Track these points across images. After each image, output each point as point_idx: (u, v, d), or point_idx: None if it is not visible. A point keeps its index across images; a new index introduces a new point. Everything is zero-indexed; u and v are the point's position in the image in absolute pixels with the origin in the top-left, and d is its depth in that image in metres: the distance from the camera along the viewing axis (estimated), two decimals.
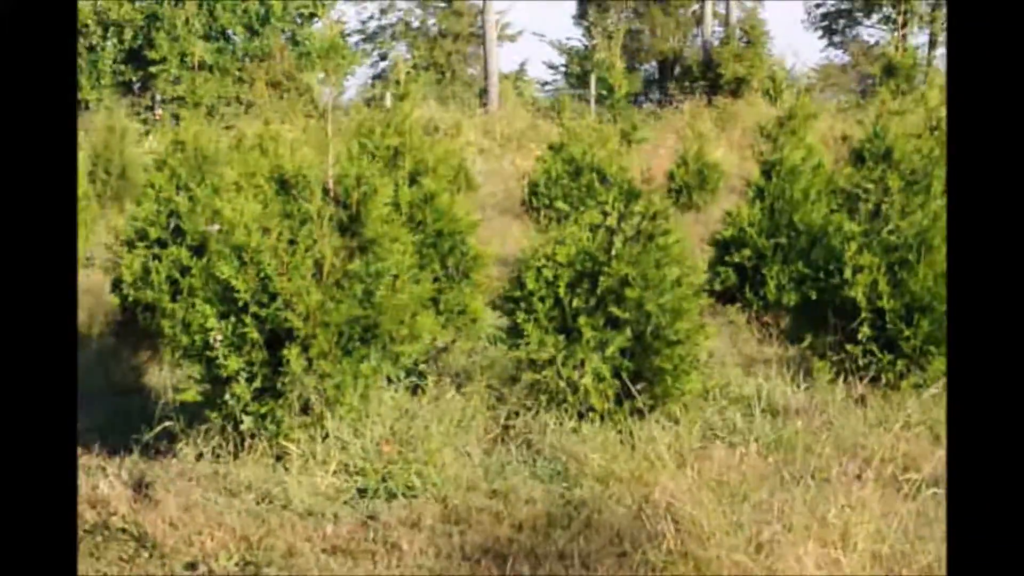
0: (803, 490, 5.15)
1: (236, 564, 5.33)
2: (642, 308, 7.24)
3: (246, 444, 6.56)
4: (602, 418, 7.02)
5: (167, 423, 6.71)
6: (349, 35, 39.52)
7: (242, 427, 6.57)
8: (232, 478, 6.20)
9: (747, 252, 10.85)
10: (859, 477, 5.31)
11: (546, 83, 43.23)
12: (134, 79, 33.21)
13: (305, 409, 6.63)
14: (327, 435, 6.53)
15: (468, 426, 6.90)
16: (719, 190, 18.47)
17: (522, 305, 7.45)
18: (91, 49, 32.53)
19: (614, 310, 7.27)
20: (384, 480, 6.22)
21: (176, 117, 25.02)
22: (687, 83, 36.75)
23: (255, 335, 6.65)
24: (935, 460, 5.62)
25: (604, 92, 9.49)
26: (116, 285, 9.79)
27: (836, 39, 43.02)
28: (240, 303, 6.70)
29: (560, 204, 7.96)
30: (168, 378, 8.21)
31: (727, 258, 10.95)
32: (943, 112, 9.33)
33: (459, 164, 16.26)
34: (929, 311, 8.03)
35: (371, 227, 7.29)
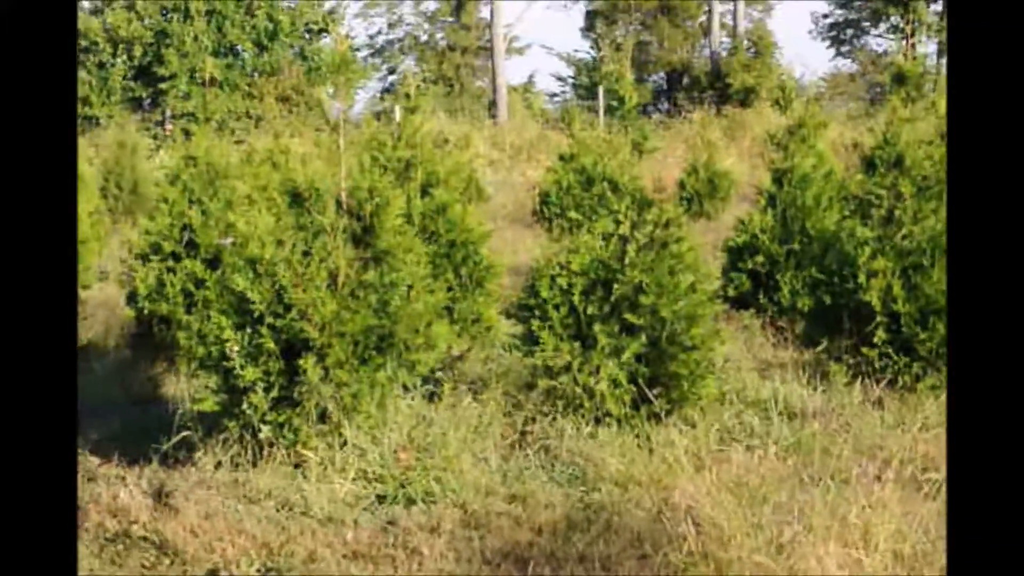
0: (823, 491, 5.15)
1: (257, 570, 5.35)
2: (657, 314, 7.26)
3: (264, 452, 6.58)
4: (619, 423, 7.03)
5: (185, 433, 6.74)
6: (357, 49, 39.64)
7: (260, 436, 6.59)
8: (251, 486, 6.23)
9: (760, 258, 10.86)
10: (879, 478, 5.31)
11: (554, 95, 43.38)
12: (144, 95, 33.32)
13: (323, 417, 6.66)
14: (345, 443, 6.56)
15: (485, 432, 6.91)
16: (729, 198, 18.50)
17: (537, 313, 7.48)
18: (101, 66, 32.68)
19: (629, 317, 7.29)
20: (403, 486, 6.24)
21: (186, 132, 25.15)
22: (695, 93, 36.84)
23: (271, 345, 6.68)
24: None
25: (614, 103, 9.52)
26: (131, 298, 9.83)
27: (844, 48, 43.08)
28: (256, 314, 6.73)
29: (572, 214, 7.99)
30: (185, 389, 8.23)
31: (740, 264, 10.97)
32: None
33: (469, 176, 16.33)
34: (944, 314, 8.04)
35: (384, 238, 7.33)
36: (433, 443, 6.60)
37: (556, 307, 7.41)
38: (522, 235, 15.93)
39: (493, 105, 36.63)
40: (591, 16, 41.46)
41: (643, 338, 7.24)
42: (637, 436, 6.86)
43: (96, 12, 33.25)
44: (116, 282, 11.75)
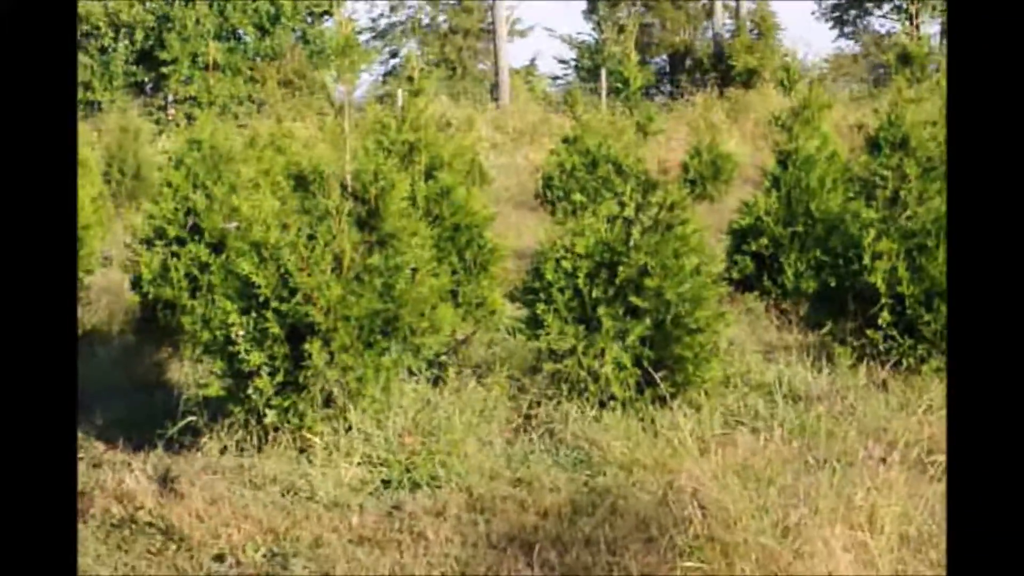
0: (828, 474, 5.14)
1: (263, 555, 5.35)
2: (661, 297, 7.26)
3: (270, 437, 6.59)
4: (623, 406, 7.03)
5: (190, 418, 6.74)
6: (359, 33, 39.54)
7: (265, 420, 6.60)
8: (257, 471, 6.23)
9: (764, 241, 10.84)
10: (884, 460, 5.31)
11: (557, 78, 43.28)
12: (146, 80, 33.29)
13: (328, 402, 6.66)
14: (350, 427, 6.56)
15: (490, 416, 6.92)
16: (733, 180, 18.49)
17: (541, 296, 7.47)
18: (103, 51, 32.64)
19: (633, 299, 7.28)
20: (408, 471, 6.25)
21: (189, 117, 25.13)
22: (698, 75, 36.74)
23: (276, 330, 6.68)
24: None
25: (618, 85, 9.49)
26: (135, 283, 9.82)
27: (847, 29, 42.96)
28: (261, 298, 6.73)
29: (577, 196, 7.97)
30: (190, 374, 8.24)
31: (744, 247, 10.95)
32: None
33: (472, 159, 16.31)
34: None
35: (389, 221, 7.33)
36: (438, 427, 6.61)
37: (561, 290, 7.40)
38: (525, 218, 15.92)
39: (495, 88, 36.56)
40: None
41: (648, 321, 7.24)
42: (642, 419, 6.86)
43: None
44: (120, 267, 11.75)
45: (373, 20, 43.55)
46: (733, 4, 39.45)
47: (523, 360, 7.68)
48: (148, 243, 9.77)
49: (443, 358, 7.82)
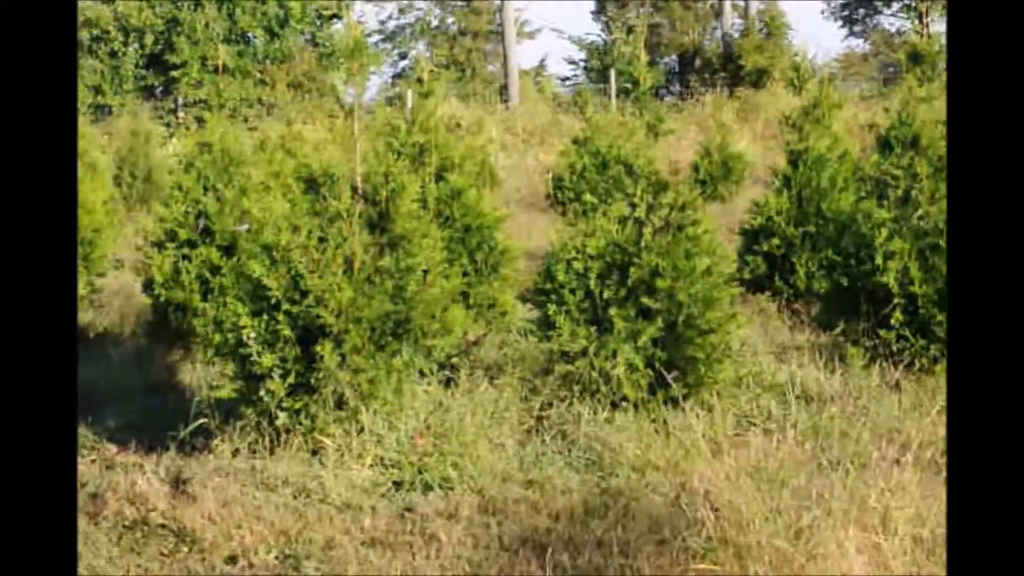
0: (842, 475, 5.13)
1: (276, 557, 5.35)
2: (673, 298, 7.24)
3: (281, 439, 6.59)
4: (636, 407, 7.02)
5: (202, 420, 6.75)
6: (368, 35, 39.57)
7: (277, 423, 6.60)
8: (269, 473, 6.23)
9: (776, 241, 10.82)
10: (898, 462, 5.30)
11: (566, 79, 43.22)
12: (156, 83, 33.36)
13: (339, 404, 6.65)
14: (362, 429, 6.56)
15: (502, 418, 6.91)
16: (743, 180, 18.46)
17: (553, 297, 7.47)
18: (113, 55, 32.72)
19: (645, 300, 7.27)
20: (420, 472, 6.24)
21: (199, 120, 25.16)
22: (707, 75, 36.68)
23: (288, 332, 6.68)
24: None
25: (628, 86, 9.50)
26: (147, 285, 9.83)
27: (856, 28, 42.86)
28: (272, 301, 6.73)
29: (588, 197, 7.96)
30: (201, 376, 8.25)
31: (756, 247, 10.93)
32: None
33: (482, 160, 16.30)
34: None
35: (400, 223, 7.32)
36: (450, 429, 6.60)
37: (572, 291, 7.40)
38: (536, 219, 15.90)
39: (505, 89, 36.55)
40: None
41: (659, 322, 7.23)
42: (654, 421, 6.84)
43: (107, 0, 33.25)
44: (131, 270, 11.76)
45: (382, 22, 43.57)
46: (742, 4, 39.37)
47: (535, 361, 7.67)
48: (159, 246, 9.77)
49: (455, 360, 7.81)
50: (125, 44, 32.79)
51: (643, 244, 7.40)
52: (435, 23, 42.72)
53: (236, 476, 6.23)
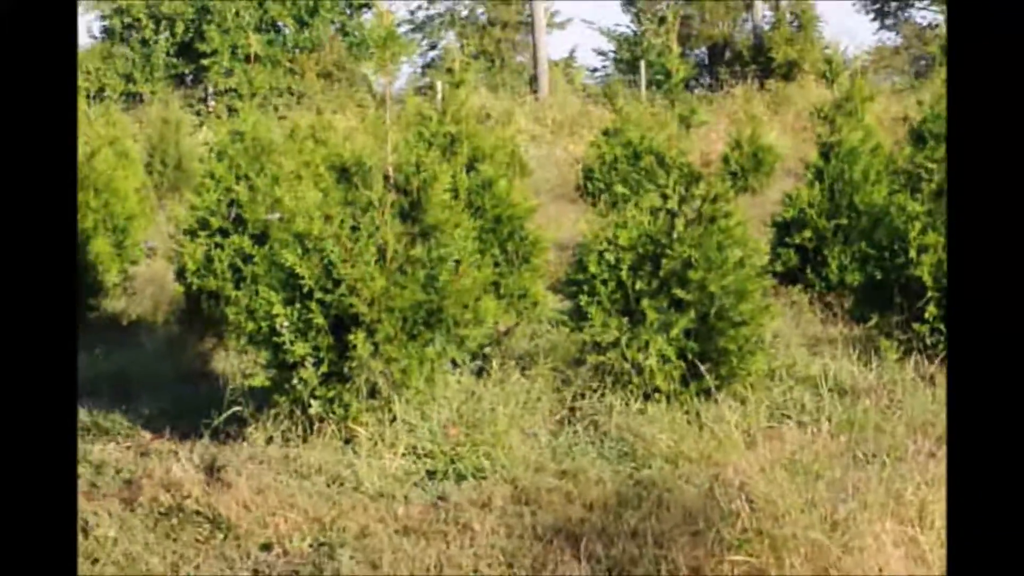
0: (877, 468, 5.12)
1: (310, 545, 5.37)
2: (705, 290, 7.23)
3: (315, 428, 6.61)
4: (668, 399, 7.01)
5: (236, 408, 6.77)
6: (398, 25, 39.54)
7: (310, 411, 6.62)
8: (302, 461, 6.25)
9: (808, 233, 10.77)
10: (933, 455, 5.28)
11: (595, 70, 43.11)
12: (186, 72, 33.48)
13: (372, 393, 6.67)
14: (395, 418, 6.57)
15: (534, 408, 6.91)
16: (774, 173, 18.41)
17: (585, 288, 7.46)
18: (144, 43, 32.83)
19: (677, 292, 7.26)
20: (453, 462, 6.25)
21: (229, 109, 25.23)
22: (738, 67, 36.55)
23: (320, 321, 6.70)
24: None
25: (659, 77, 9.46)
26: (179, 274, 9.87)
27: (888, 21, 42.60)
28: (304, 289, 6.75)
29: (619, 188, 7.94)
30: (235, 364, 8.29)
31: (788, 239, 10.89)
32: None
33: (512, 151, 16.30)
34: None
35: (432, 213, 7.32)
36: (482, 419, 6.61)
37: (604, 282, 7.38)
38: (565, 210, 15.89)
39: (534, 80, 36.49)
40: None
41: (692, 313, 7.21)
42: (687, 412, 6.83)
43: None
44: (164, 258, 11.82)
45: (411, 12, 43.56)
46: None
47: (567, 352, 7.67)
48: (192, 234, 9.81)
49: (487, 350, 7.82)
50: (156, 32, 32.90)
51: (675, 235, 7.38)
52: (464, 13, 42.70)
53: (270, 464, 6.26)
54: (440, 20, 42.63)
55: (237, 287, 9.18)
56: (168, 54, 33.04)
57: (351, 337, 6.60)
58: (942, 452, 5.09)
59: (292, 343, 6.67)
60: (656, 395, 7.06)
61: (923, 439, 5.68)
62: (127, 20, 32.58)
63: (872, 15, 42.77)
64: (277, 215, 9.20)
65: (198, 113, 29.84)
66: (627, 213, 7.57)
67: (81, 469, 6.34)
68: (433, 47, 42.32)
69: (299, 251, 6.81)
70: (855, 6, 43.90)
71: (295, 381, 6.64)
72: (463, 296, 7.07)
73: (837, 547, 4.56)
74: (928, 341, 8.01)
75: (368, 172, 7.12)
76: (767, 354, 7.44)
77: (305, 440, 6.54)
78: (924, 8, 41.64)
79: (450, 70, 10.20)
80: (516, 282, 9.40)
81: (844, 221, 10.71)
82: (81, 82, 26.75)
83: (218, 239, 9.69)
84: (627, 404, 6.94)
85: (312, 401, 6.62)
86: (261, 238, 9.42)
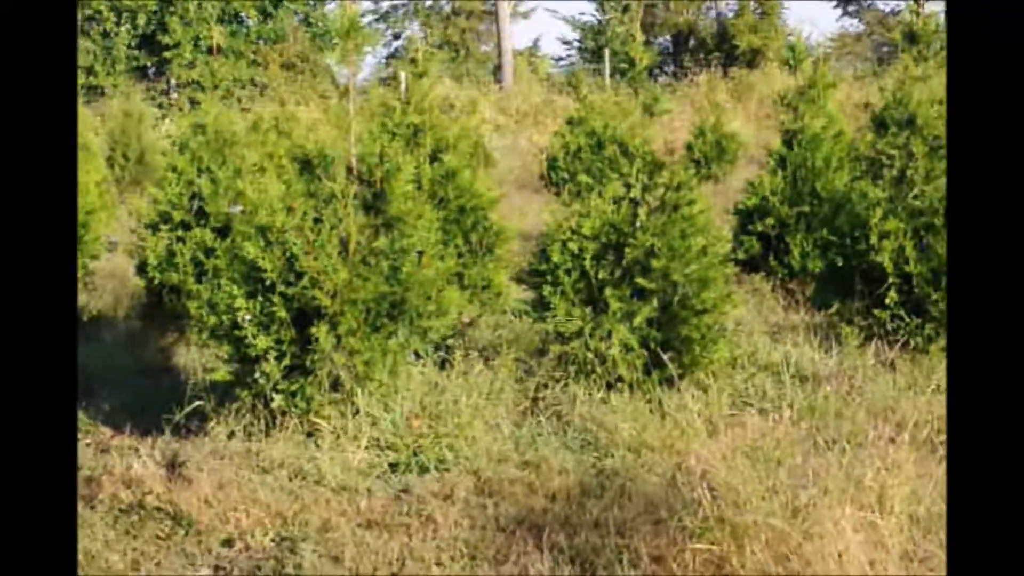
0: (838, 454, 5.13)
1: (272, 540, 5.35)
2: (668, 278, 7.24)
3: (277, 422, 6.59)
4: (631, 388, 7.02)
5: (198, 403, 6.74)
6: (362, 15, 39.35)
7: (273, 405, 6.59)
8: (264, 455, 6.23)
9: (770, 221, 10.81)
10: (893, 440, 5.30)
11: (560, 59, 43.14)
12: (149, 64, 33.25)
13: (335, 386, 6.65)
14: (357, 411, 6.56)
15: (497, 399, 6.91)
16: (737, 160, 18.45)
17: (548, 278, 7.46)
18: (105, 35, 32.58)
19: (640, 281, 7.27)
20: (415, 454, 6.24)
21: (192, 101, 25.09)
22: (701, 55, 36.64)
23: (283, 314, 6.67)
24: None
25: (623, 66, 9.47)
26: (141, 268, 9.81)
27: (851, 8, 42.78)
28: (267, 282, 6.71)
29: (583, 177, 7.94)
30: (196, 358, 8.24)
31: (750, 227, 10.92)
32: None
33: (476, 141, 16.27)
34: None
35: (395, 204, 7.30)
36: (445, 410, 6.60)
37: (567, 272, 7.39)
38: (530, 200, 15.88)
39: (498, 70, 36.47)
40: None
41: (655, 302, 7.23)
42: (649, 401, 6.85)
43: None
44: (125, 252, 11.73)
45: (375, 2, 43.43)
46: None
47: (530, 342, 7.68)
48: (153, 228, 9.76)
49: (450, 341, 7.82)
50: (118, 24, 32.65)
51: (638, 224, 7.39)
52: (429, 3, 42.61)
53: (232, 459, 6.22)
54: (404, 10, 42.54)
55: (199, 281, 9.13)
56: (130, 46, 32.79)
57: (314, 330, 6.58)
58: (902, 437, 5.11)
59: (254, 337, 6.63)
60: (619, 384, 7.07)
61: (883, 424, 5.70)
62: (88, 12, 32.31)
63: (835, 2, 42.94)
64: (239, 208, 9.15)
65: (160, 106, 29.64)
66: (590, 202, 7.58)
67: None
68: (397, 37, 42.24)
69: (261, 244, 6.77)
70: None
71: (257, 375, 6.61)
72: (426, 287, 7.06)
73: (798, 533, 4.57)
74: (889, 327, 8.06)
75: (331, 163, 7.09)
76: (729, 342, 7.47)
77: (267, 434, 6.51)
78: None
79: (414, 60, 10.16)
80: (480, 273, 9.39)
81: (806, 208, 10.75)
82: None
83: (180, 233, 9.64)
84: (590, 394, 6.95)
85: (274, 395, 6.59)
86: (223, 231, 9.38)
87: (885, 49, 36.64)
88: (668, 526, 4.91)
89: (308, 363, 6.61)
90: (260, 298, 6.70)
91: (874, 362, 7.63)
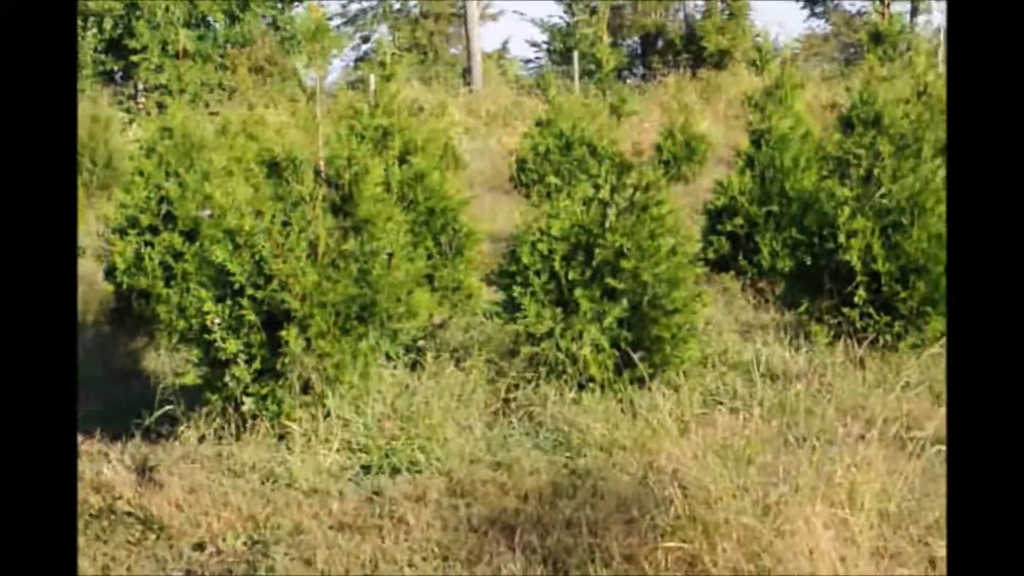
0: (808, 452, 5.16)
1: (244, 543, 5.33)
2: (638, 278, 7.26)
3: (248, 425, 6.56)
4: (602, 388, 7.04)
5: (168, 407, 6.71)
6: (330, 18, 39.31)
7: (243, 408, 6.57)
8: (235, 459, 6.20)
9: (739, 220, 10.87)
10: (863, 437, 5.32)
11: (528, 61, 43.16)
12: (116, 69, 33.03)
13: (305, 389, 6.63)
14: (328, 414, 6.54)
15: (469, 400, 6.91)
16: (707, 161, 18.51)
17: (518, 279, 7.47)
18: None
19: (610, 281, 7.28)
20: (387, 456, 6.23)
21: (160, 105, 24.95)
22: (670, 57, 36.73)
23: (252, 317, 6.65)
24: (938, 419, 5.63)
25: (591, 67, 9.48)
26: (109, 272, 9.77)
27: (818, 9, 42.97)
28: (236, 286, 6.70)
29: (552, 179, 7.95)
30: (166, 362, 8.21)
31: (719, 227, 10.98)
32: (931, 77, 9.34)
33: (446, 143, 16.27)
34: (924, 272, 8.06)
35: (364, 207, 7.29)
36: (417, 412, 6.59)
37: (537, 273, 7.40)
38: (500, 202, 15.89)
39: (467, 72, 36.44)
40: None
41: (625, 302, 7.24)
42: (620, 401, 6.86)
43: None
44: (93, 257, 11.66)
45: (343, 6, 43.31)
46: None
47: (501, 344, 7.68)
48: (121, 232, 9.72)
49: (420, 343, 7.81)
50: (84, 28, 32.40)
51: (607, 225, 7.41)
52: (397, 6, 42.55)
53: (202, 463, 6.20)
54: (372, 13, 42.46)
55: (168, 285, 9.11)
56: (96, 50, 32.57)
57: (283, 333, 6.56)
58: (871, 434, 5.13)
59: (224, 340, 6.61)
60: (590, 384, 7.08)
61: (853, 422, 5.74)
62: None
63: (802, 3, 43.12)
64: (207, 212, 9.13)
65: (128, 110, 29.45)
66: (559, 203, 7.59)
67: None
68: (366, 40, 42.15)
69: (230, 247, 6.75)
70: None
71: (227, 378, 6.59)
72: (396, 289, 7.05)
73: (769, 531, 4.59)
74: (858, 325, 8.11)
75: (299, 167, 7.07)
76: (700, 341, 7.49)
77: (238, 438, 6.49)
78: None
79: (382, 63, 10.15)
80: (450, 275, 9.39)
81: (775, 208, 10.81)
82: None
83: (148, 237, 9.61)
84: (561, 394, 6.96)
85: (245, 398, 6.57)
86: (191, 235, 9.35)
87: (852, 50, 36.83)
88: (640, 525, 4.92)
89: (278, 366, 6.59)
90: (229, 302, 6.68)
91: (843, 360, 7.68)
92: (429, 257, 9.13)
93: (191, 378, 6.79)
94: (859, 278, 8.18)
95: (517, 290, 7.41)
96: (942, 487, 5.16)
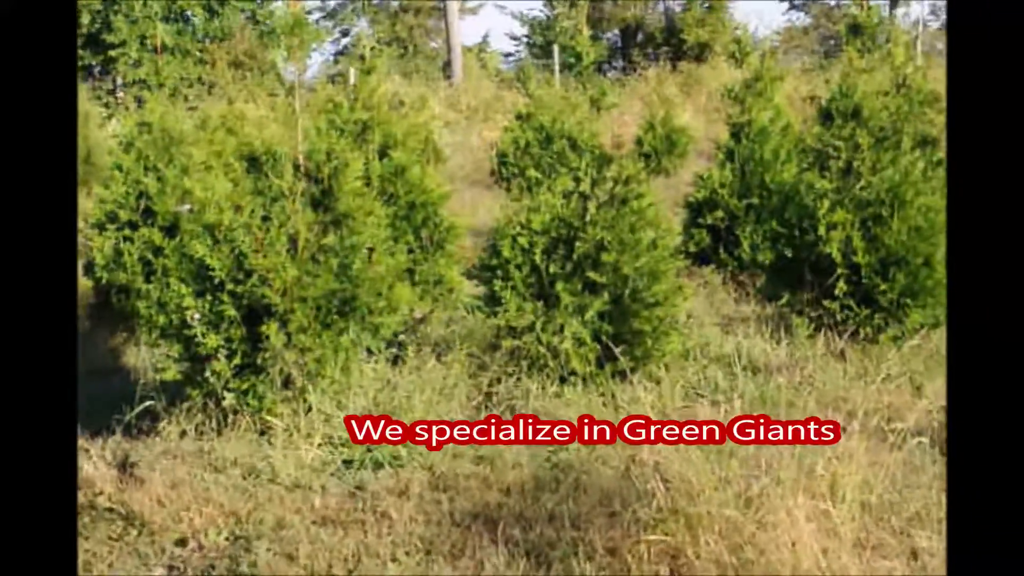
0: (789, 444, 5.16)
1: (226, 539, 5.31)
2: (619, 272, 7.26)
3: (229, 420, 6.55)
4: (584, 381, 7.04)
5: (148, 402, 6.68)
6: (309, 12, 39.18)
7: (224, 403, 6.55)
8: (217, 454, 6.18)
9: (720, 213, 10.89)
10: (844, 430, 5.34)
11: (509, 54, 43.17)
12: (94, 63, 32.88)
13: (287, 384, 6.62)
14: (310, 408, 6.53)
15: (450, 394, 6.90)
16: (687, 154, 18.54)
17: (499, 273, 7.46)
18: None
19: (591, 275, 7.29)
20: (369, 451, 6.22)
21: (138, 100, 24.84)
22: (650, 50, 36.76)
23: (232, 312, 6.63)
24: (918, 410, 5.66)
25: (572, 60, 9.47)
26: (88, 268, 9.73)
27: (797, 2, 43.07)
28: (216, 281, 6.67)
29: (532, 172, 7.94)
30: (146, 358, 8.17)
31: (700, 220, 10.99)
32: (909, 69, 9.38)
33: (426, 137, 16.24)
34: (904, 265, 8.09)
35: (344, 201, 7.27)
36: (398, 406, 6.59)
37: (518, 267, 7.39)
38: (481, 196, 15.89)
39: (448, 66, 36.41)
40: None
41: (606, 296, 7.25)
42: (602, 394, 6.87)
43: None
44: None
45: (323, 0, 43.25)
46: None
47: (482, 337, 7.67)
48: (100, 227, 9.67)
49: (402, 337, 7.80)
50: None
51: (588, 218, 7.41)
52: (376, 0, 42.46)
53: (184, 458, 6.18)
54: (352, 7, 42.36)
55: (147, 280, 9.06)
56: None
57: (264, 328, 6.54)
58: (852, 426, 5.15)
59: (204, 335, 6.59)
60: (572, 378, 7.08)
61: (834, 414, 5.75)
62: None
63: None
64: (187, 206, 9.08)
65: (107, 105, 29.31)
66: (540, 197, 7.59)
67: None
68: (345, 34, 42.09)
69: (209, 242, 6.73)
70: None
71: (208, 374, 6.57)
72: (377, 284, 7.04)
73: (751, 523, 4.60)
74: (838, 317, 8.13)
75: (278, 161, 7.05)
76: (681, 334, 7.50)
77: (219, 433, 6.47)
78: None
79: (362, 57, 10.12)
80: (431, 269, 9.37)
81: (755, 200, 10.83)
82: None
83: (127, 232, 9.57)
84: (543, 388, 6.96)
85: (226, 393, 6.55)
86: (171, 230, 9.30)
87: (831, 42, 36.94)
88: (622, 518, 4.92)
89: (259, 361, 6.58)
90: (209, 297, 6.66)
91: (824, 352, 7.70)
92: (410, 251, 9.11)
93: (172, 374, 6.76)
94: (839, 270, 8.21)
95: (498, 284, 7.40)
96: (923, 479, 5.19)
